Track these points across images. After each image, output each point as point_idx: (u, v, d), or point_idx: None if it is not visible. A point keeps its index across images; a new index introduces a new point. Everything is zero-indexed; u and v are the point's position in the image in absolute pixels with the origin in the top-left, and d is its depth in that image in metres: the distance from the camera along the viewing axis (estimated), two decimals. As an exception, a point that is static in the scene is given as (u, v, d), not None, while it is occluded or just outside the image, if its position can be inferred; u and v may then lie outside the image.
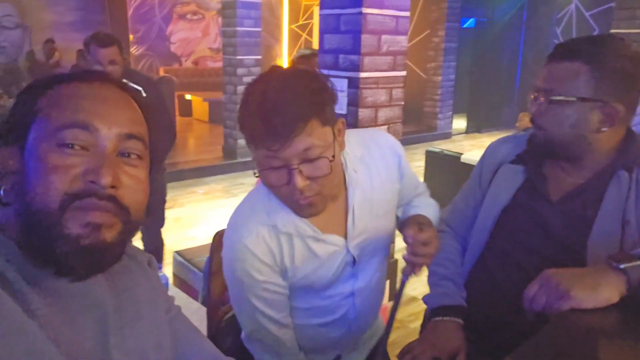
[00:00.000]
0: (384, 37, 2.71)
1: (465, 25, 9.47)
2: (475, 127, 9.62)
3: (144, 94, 2.64)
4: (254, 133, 0.95)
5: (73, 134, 0.66)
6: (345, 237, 1.17)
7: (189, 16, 10.94)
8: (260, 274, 1.11)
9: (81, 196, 0.64)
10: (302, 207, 1.03)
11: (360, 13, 2.59)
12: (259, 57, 6.39)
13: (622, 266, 0.88)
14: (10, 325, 0.59)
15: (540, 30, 9.18)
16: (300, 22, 10.75)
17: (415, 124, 8.99)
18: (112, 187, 0.66)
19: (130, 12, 9.83)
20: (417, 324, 1.82)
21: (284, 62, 10.53)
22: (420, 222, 1.16)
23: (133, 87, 0.75)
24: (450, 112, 9.25)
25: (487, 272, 1.28)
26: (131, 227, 0.71)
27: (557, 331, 0.81)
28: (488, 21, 9.49)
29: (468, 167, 3.74)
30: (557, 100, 1.12)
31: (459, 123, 9.71)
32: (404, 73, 2.88)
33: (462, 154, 4.38)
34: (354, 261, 1.20)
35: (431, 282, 1.35)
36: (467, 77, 9.70)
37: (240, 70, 6.24)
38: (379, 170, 1.20)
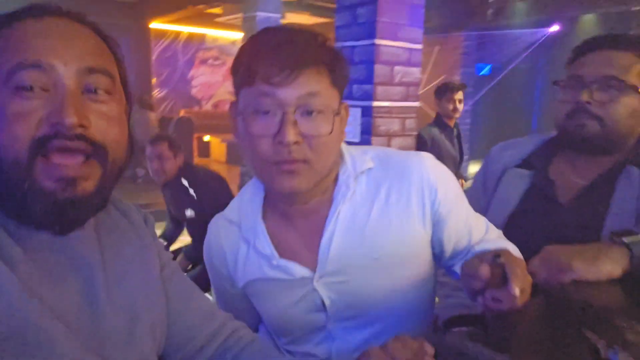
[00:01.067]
0: (396, 67, 2.76)
1: (481, 73, 9.59)
2: (492, 172, 9.56)
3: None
4: (254, 61, 0.79)
5: (27, 75, 0.60)
6: (315, 270, 0.89)
7: (210, 61, 11.33)
8: (212, 265, 1.00)
9: (48, 140, 0.60)
10: (282, 174, 0.81)
11: (374, 44, 2.65)
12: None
13: (625, 239, 0.87)
14: None
15: (555, 73, 9.24)
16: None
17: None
18: (81, 126, 0.61)
19: (154, 56, 10.20)
20: None
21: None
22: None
23: (90, 19, 0.68)
24: (467, 156, 9.23)
25: None
26: (112, 171, 0.66)
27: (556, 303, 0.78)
28: (503, 67, 9.61)
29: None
30: (618, 87, 1.07)
31: (476, 168, 9.67)
32: (417, 104, 2.91)
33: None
34: (325, 309, 0.90)
35: (441, 294, 1.31)
36: (483, 122, 9.74)
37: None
38: (390, 195, 0.91)
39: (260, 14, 6.19)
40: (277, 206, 0.93)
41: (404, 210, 0.90)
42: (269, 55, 0.78)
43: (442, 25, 7.66)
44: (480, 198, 1.33)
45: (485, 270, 0.73)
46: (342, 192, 0.89)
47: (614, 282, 0.84)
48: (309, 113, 0.79)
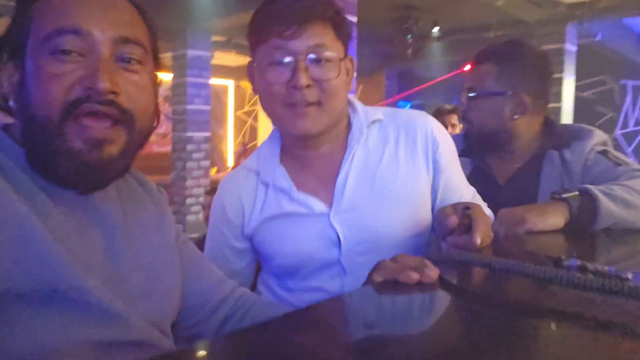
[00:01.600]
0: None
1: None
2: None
3: None
4: (269, 17, 0.91)
5: (65, 40, 0.64)
6: (331, 206, 0.99)
7: (136, 102, 11.08)
8: (222, 218, 1.06)
9: (80, 103, 0.63)
10: (297, 115, 0.92)
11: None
12: (208, 134, 6.54)
13: (564, 195, 1.03)
14: (21, 229, 0.59)
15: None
16: (246, 109, 11.12)
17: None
18: (112, 92, 0.64)
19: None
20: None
21: (229, 148, 10.73)
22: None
23: None
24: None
25: None
26: (137, 138, 0.70)
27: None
28: (424, 105, 10.22)
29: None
30: (474, 97, 1.36)
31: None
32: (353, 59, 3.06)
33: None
34: (340, 243, 0.98)
35: None
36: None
37: (189, 147, 6.33)
38: (399, 143, 1.02)
39: (190, 52, 6.24)
40: (294, 152, 1.03)
41: (411, 156, 1.02)
42: (281, 13, 0.90)
43: (365, 66, 8.10)
44: None
45: (453, 220, 0.85)
46: (356, 138, 1.01)
47: (558, 231, 1.00)
48: (317, 61, 0.91)
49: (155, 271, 0.75)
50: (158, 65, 0.76)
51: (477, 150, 1.43)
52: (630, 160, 1.25)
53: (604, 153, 1.25)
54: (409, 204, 1.00)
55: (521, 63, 1.32)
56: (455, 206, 0.88)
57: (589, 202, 1.00)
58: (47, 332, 0.59)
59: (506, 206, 1.27)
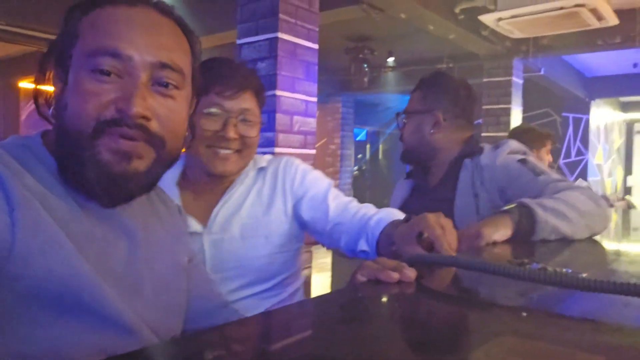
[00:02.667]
0: (295, 117, 2.97)
1: (357, 139, 10.36)
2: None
3: None
4: (214, 76, 1.11)
5: (105, 61, 0.65)
6: (206, 226, 1.18)
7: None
8: None
9: (112, 123, 0.65)
10: (220, 158, 1.14)
11: (275, 95, 2.85)
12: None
13: (505, 208, 1.15)
14: (51, 236, 0.60)
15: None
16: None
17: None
18: (143, 117, 0.65)
19: (23, 116, 9.52)
20: None
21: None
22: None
23: (179, 14, 0.74)
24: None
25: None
26: (166, 158, 0.71)
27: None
28: (378, 132, 10.47)
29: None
30: (401, 116, 1.64)
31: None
32: (314, 151, 3.13)
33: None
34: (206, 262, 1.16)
35: None
36: (362, 182, 10.40)
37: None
38: (264, 186, 1.25)
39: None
40: (194, 179, 1.23)
41: (272, 197, 1.24)
42: (224, 77, 1.13)
43: (322, 93, 8.26)
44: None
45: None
46: (241, 179, 1.24)
47: (506, 241, 1.10)
48: (243, 121, 1.16)
49: (165, 288, 0.76)
50: (196, 86, 0.77)
51: (410, 164, 1.69)
52: (547, 169, 1.39)
53: (523, 162, 1.39)
54: (267, 237, 1.21)
55: (441, 88, 1.57)
56: (405, 240, 0.93)
57: (528, 214, 1.11)
58: (64, 340, 0.60)
59: (433, 204, 1.37)
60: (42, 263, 0.58)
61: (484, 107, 5.83)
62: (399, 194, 1.73)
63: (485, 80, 5.86)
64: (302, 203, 1.24)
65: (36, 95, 0.71)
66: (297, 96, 2.98)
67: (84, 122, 0.65)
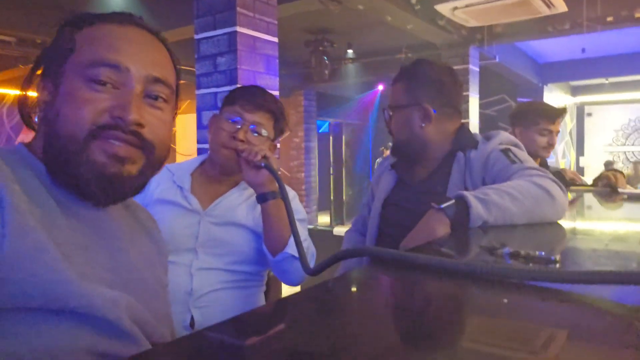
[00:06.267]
0: (258, 111, 2.97)
1: (320, 131, 10.38)
2: (339, 221, 10.22)
3: None
4: (245, 94, 1.42)
5: (104, 72, 0.70)
6: (205, 210, 1.44)
7: (41, 126, 10.46)
8: None
9: (107, 128, 0.68)
10: (228, 152, 1.38)
11: (236, 89, 2.84)
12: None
13: (441, 206, 1.11)
14: (37, 240, 0.59)
15: (384, 131, 10.41)
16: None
17: (284, 220, 9.26)
18: (138, 124, 0.70)
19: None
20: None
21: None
22: None
23: (162, 35, 0.81)
24: (316, 207, 9.76)
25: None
26: (154, 163, 0.76)
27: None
28: (341, 124, 10.53)
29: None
30: (390, 111, 1.54)
31: (324, 219, 10.24)
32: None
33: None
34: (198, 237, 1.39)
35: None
36: (327, 175, 10.46)
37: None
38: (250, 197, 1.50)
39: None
40: (208, 172, 1.51)
41: (250, 208, 1.47)
42: (248, 94, 1.42)
43: (284, 87, 8.24)
44: (369, 197, 1.76)
45: None
46: (244, 184, 1.48)
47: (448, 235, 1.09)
48: (255, 132, 1.41)
49: (149, 297, 0.76)
50: (177, 101, 0.83)
51: (402, 160, 1.59)
52: (530, 158, 1.37)
53: (504, 152, 1.37)
54: (252, 233, 1.44)
55: (424, 78, 1.48)
56: None
57: (464, 208, 1.09)
58: (56, 345, 0.59)
59: (418, 203, 1.38)
60: (29, 267, 0.58)
61: (443, 95, 5.96)
62: (385, 186, 1.63)
63: (443, 69, 5.97)
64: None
65: (21, 103, 0.74)
66: (259, 90, 2.97)
67: (79, 127, 0.67)
